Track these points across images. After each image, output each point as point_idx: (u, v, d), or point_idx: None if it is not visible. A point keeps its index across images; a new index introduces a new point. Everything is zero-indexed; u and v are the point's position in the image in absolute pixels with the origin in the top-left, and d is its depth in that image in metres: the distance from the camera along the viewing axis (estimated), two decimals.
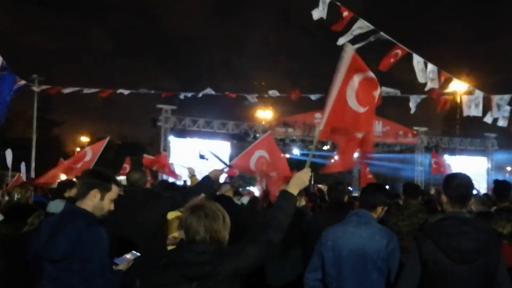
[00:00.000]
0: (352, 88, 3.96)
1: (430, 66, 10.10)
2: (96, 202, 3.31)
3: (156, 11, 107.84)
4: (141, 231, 4.41)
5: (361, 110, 4.04)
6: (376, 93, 4.13)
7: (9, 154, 14.47)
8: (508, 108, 12.82)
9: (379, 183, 4.17)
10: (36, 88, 17.24)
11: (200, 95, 16.55)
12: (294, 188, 3.05)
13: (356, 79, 3.97)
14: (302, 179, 3.11)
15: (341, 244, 3.65)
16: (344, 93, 3.90)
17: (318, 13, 8.76)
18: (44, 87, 16.86)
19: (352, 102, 3.98)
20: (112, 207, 3.43)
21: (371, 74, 4.06)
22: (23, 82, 12.31)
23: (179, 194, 5.09)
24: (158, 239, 4.73)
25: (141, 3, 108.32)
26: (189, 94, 16.69)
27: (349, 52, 3.83)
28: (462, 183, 3.27)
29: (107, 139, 10.07)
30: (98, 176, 3.40)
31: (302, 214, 5.50)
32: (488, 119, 12.29)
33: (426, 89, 10.47)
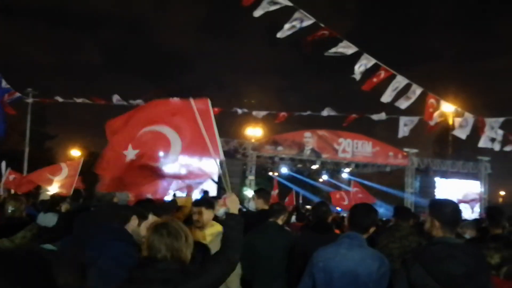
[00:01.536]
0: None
1: (415, 87, 10.00)
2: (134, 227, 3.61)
3: (147, 26, 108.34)
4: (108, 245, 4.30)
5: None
6: None
7: (3, 166, 14.35)
8: (500, 132, 12.70)
9: (369, 204, 4.01)
10: (29, 100, 17.57)
11: None
12: (234, 209, 3.39)
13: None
14: (235, 201, 3.48)
15: (333, 266, 3.65)
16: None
17: (288, 27, 8.58)
18: (37, 99, 17.19)
19: None
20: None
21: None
22: (17, 94, 12.33)
23: (146, 208, 4.99)
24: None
25: (133, 18, 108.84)
26: None
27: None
28: (455, 209, 3.35)
29: (81, 160, 10.24)
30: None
31: (286, 234, 5.43)
32: (484, 143, 12.17)
33: (403, 107, 10.37)
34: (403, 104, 10.02)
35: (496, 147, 12.96)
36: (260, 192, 6.61)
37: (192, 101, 4.27)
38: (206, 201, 5.05)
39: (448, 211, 3.31)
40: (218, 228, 4.71)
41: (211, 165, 4.61)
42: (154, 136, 4.55)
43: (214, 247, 3.78)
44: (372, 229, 3.87)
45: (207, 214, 4.78)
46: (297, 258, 4.81)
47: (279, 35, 8.43)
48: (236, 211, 3.36)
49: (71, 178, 9.01)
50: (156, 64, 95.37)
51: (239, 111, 16.40)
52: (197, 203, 4.97)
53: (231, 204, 3.43)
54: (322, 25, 8.67)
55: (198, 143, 4.37)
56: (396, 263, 4.85)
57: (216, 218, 5.08)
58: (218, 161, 4.24)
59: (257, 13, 8.32)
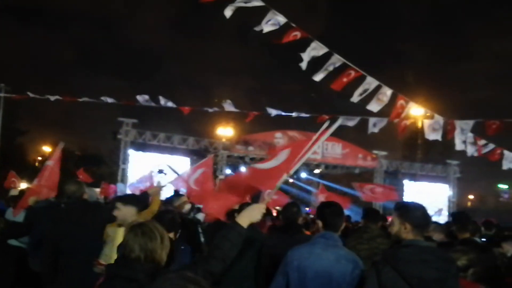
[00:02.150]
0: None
1: (385, 89, 10.05)
2: None
3: (119, 24, 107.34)
4: (81, 242, 4.44)
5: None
6: None
7: None
8: (471, 135, 12.88)
9: (337, 204, 3.97)
10: (1, 95, 17.26)
11: (162, 102, 16.21)
12: (245, 220, 2.96)
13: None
14: (255, 213, 3.04)
15: (307, 266, 3.63)
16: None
17: (268, 28, 8.51)
18: (8, 95, 16.94)
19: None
20: None
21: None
22: None
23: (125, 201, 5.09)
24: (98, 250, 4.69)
25: (104, 16, 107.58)
26: (151, 104, 16.40)
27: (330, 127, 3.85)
28: (425, 212, 3.38)
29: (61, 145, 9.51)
30: None
31: (257, 234, 5.24)
32: (458, 146, 12.30)
33: (375, 110, 10.42)
34: (374, 106, 10.05)
35: (467, 150, 13.15)
36: None
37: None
38: (125, 197, 4.89)
39: (419, 214, 3.33)
40: None
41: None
42: None
43: None
44: (342, 228, 3.89)
45: (125, 210, 4.44)
46: (264, 259, 4.77)
47: (251, 35, 8.38)
48: (244, 223, 2.95)
49: (56, 171, 8.58)
50: (128, 62, 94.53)
51: (210, 110, 16.26)
52: (117, 198, 4.83)
53: (246, 212, 3.05)
54: (294, 25, 8.63)
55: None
56: (364, 264, 4.94)
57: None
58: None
59: (227, 12, 8.23)
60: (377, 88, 9.92)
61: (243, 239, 2.93)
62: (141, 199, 5.33)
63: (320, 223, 3.85)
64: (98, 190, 15.86)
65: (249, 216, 3.01)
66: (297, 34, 8.64)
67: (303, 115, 13.94)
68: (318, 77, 9.28)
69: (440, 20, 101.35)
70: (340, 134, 26.70)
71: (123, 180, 23.03)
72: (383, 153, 27.70)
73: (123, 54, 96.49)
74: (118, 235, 4.34)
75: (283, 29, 8.65)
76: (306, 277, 3.61)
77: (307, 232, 6.49)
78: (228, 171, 25.57)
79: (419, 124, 13.53)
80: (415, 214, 3.34)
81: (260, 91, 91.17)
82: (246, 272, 4.97)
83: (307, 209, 16.62)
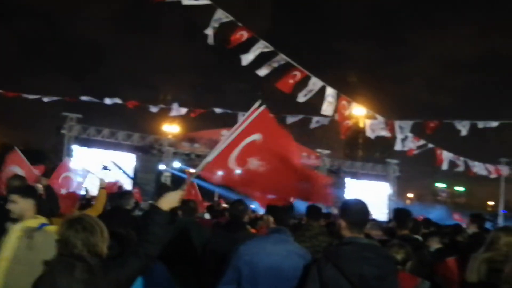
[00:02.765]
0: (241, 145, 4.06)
1: (330, 89, 10.29)
2: None
3: (64, 17, 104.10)
4: None
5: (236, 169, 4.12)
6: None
7: None
8: (410, 134, 13.37)
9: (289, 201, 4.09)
10: None
11: (107, 101, 15.91)
12: (165, 205, 3.04)
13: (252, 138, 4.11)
14: (173, 199, 3.10)
15: (259, 260, 3.62)
16: (235, 145, 4.00)
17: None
18: None
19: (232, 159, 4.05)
20: None
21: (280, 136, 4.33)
22: None
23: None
24: None
25: (49, 9, 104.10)
26: (95, 100, 16.07)
27: (260, 110, 4.03)
28: (360, 208, 3.37)
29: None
30: None
31: (202, 231, 5.45)
32: (398, 146, 12.72)
33: (323, 112, 10.65)
34: (319, 106, 10.28)
35: (406, 149, 13.66)
36: (165, 189, 6.56)
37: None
38: (23, 188, 4.32)
39: (353, 211, 3.34)
40: (40, 221, 3.84)
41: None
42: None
43: (22, 246, 3.52)
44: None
45: (23, 204, 3.91)
46: (208, 256, 4.78)
47: (199, 33, 8.37)
48: (165, 208, 3.07)
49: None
50: (72, 56, 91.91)
51: (154, 110, 16.10)
52: (13, 189, 4.30)
53: (165, 199, 3.13)
54: (240, 24, 8.68)
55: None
56: None
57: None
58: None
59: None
60: (321, 89, 10.14)
61: (168, 221, 3.04)
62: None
63: (271, 219, 3.86)
64: (40, 186, 15.34)
65: (168, 202, 3.07)
66: (243, 33, 8.71)
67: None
68: (262, 72, 9.37)
69: (382, 22, 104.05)
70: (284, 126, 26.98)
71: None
72: (326, 151, 28.21)
73: (67, 48, 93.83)
74: (12, 233, 3.70)
75: (229, 28, 8.70)
76: (258, 272, 3.60)
77: (253, 230, 6.53)
78: (177, 164, 25.38)
79: (361, 124, 13.91)
80: (350, 211, 3.34)
81: (207, 88, 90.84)
82: (190, 270, 4.97)
83: (253, 206, 16.67)
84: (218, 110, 14.75)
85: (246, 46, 8.99)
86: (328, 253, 3.24)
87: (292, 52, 9.63)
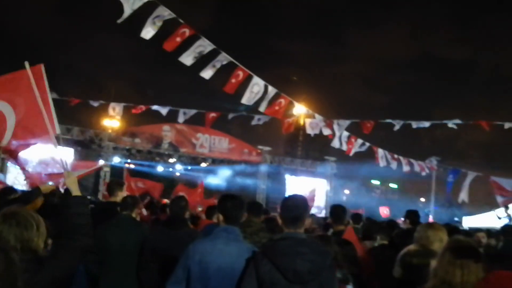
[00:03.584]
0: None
1: (271, 88, 10.47)
2: None
3: None
4: None
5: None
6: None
7: None
8: (346, 133, 13.84)
9: (239, 197, 4.04)
10: None
11: None
12: (76, 190, 3.19)
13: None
14: (74, 181, 3.29)
15: (210, 261, 3.58)
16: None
17: (150, 31, 8.46)
18: None
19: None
20: None
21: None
22: None
23: None
24: None
25: None
26: None
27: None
28: (295, 204, 3.39)
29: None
30: None
31: (141, 228, 5.30)
32: (335, 144, 13.11)
33: (261, 110, 10.82)
34: (260, 105, 10.45)
35: (343, 147, 14.12)
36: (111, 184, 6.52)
37: (28, 69, 4.11)
38: None
39: (287, 206, 3.39)
40: None
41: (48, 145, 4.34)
42: None
43: None
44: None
45: None
46: (146, 254, 4.72)
47: (141, 30, 8.26)
48: (78, 192, 3.16)
49: None
50: (6, 47, 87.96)
51: (96, 102, 15.83)
52: None
53: (72, 185, 3.25)
54: (182, 21, 8.66)
55: (33, 116, 4.17)
56: None
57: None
58: (54, 136, 4.08)
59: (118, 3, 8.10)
60: (263, 87, 10.31)
61: (88, 207, 3.13)
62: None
63: (221, 217, 3.79)
64: None
65: (72, 185, 3.24)
66: (186, 30, 8.69)
67: (191, 111, 14.01)
68: (206, 74, 9.42)
69: (322, 22, 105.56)
70: (226, 128, 27.11)
71: (3, 170, 21.62)
72: (267, 148, 28.45)
73: (1, 41, 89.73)
74: None
75: (171, 25, 8.67)
76: (208, 272, 3.56)
77: (195, 227, 6.55)
78: (116, 159, 24.95)
79: (301, 122, 14.26)
80: (284, 206, 3.41)
81: (149, 83, 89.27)
82: (127, 268, 4.88)
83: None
84: (156, 107, 14.67)
85: (188, 43, 8.98)
86: (265, 249, 3.29)
87: (235, 51, 9.70)
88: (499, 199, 15.60)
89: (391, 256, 4.49)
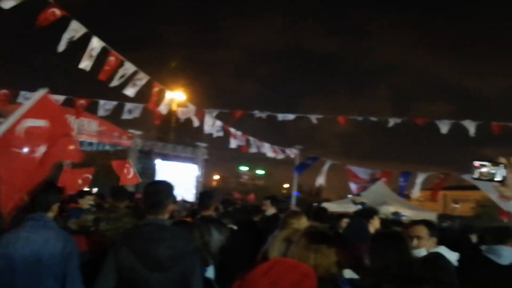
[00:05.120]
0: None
1: (142, 74, 10.33)
2: None
3: None
4: None
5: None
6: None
7: None
8: (218, 122, 14.18)
9: (51, 181, 4.00)
10: None
11: None
12: None
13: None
14: None
15: (14, 252, 3.41)
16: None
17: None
18: None
19: None
20: None
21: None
22: None
23: None
24: None
25: None
26: None
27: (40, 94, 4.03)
28: (157, 190, 3.40)
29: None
30: None
31: None
32: (206, 130, 13.32)
33: (131, 95, 10.63)
34: (130, 91, 10.22)
35: (214, 134, 14.46)
36: None
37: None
38: None
39: (150, 192, 3.38)
40: None
41: None
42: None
43: None
44: (56, 206, 3.78)
45: None
46: None
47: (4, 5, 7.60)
48: None
49: None
50: None
51: None
52: None
53: None
54: (52, 1, 8.23)
55: None
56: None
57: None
58: None
59: None
60: (134, 74, 10.13)
61: None
62: None
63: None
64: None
65: None
66: (56, 11, 8.22)
67: (59, 96, 13.36)
68: (83, 64, 9.01)
69: (200, 7, 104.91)
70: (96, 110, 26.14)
71: None
72: (139, 132, 27.99)
73: None
74: None
75: (40, 5, 8.16)
76: (14, 264, 3.41)
77: None
78: None
79: (174, 108, 14.31)
80: (148, 193, 3.40)
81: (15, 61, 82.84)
82: None
83: None
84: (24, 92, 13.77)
85: (58, 26, 8.51)
86: (125, 236, 3.25)
87: (108, 33, 9.39)
88: (353, 186, 17.07)
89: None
